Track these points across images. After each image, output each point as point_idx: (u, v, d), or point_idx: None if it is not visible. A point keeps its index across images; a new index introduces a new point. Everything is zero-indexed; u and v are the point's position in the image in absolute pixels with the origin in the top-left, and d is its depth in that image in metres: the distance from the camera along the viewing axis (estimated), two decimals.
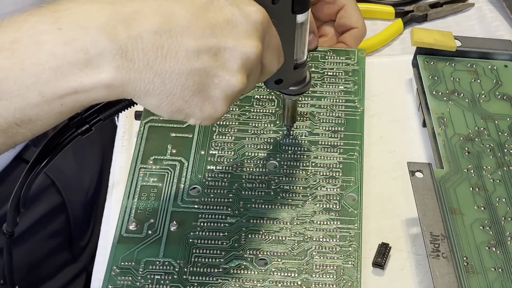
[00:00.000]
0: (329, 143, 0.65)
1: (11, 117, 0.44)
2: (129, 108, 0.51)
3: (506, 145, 0.63)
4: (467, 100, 0.67)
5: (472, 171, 0.61)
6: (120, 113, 0.51)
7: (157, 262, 0.57)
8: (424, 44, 0.69)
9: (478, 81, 0.69)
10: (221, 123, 0.66)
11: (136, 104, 0.49)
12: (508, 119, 0.66)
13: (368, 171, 0.65)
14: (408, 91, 0.72)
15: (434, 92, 0.67)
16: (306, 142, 0.65)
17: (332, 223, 0.60)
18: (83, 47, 0.43)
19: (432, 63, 0.70)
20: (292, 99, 0.62)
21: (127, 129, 0.70)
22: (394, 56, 0.76)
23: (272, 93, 0.69)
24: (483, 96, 0.67)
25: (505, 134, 0.64)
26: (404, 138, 0.68)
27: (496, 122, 0.65)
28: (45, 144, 0.51)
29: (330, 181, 0.62)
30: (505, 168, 0.62)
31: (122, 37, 0.44)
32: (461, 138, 0.64)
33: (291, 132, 0.66)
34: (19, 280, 0.75)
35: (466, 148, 0.63)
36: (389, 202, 0.64)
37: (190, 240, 0.59)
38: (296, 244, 0.59)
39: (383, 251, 0.59)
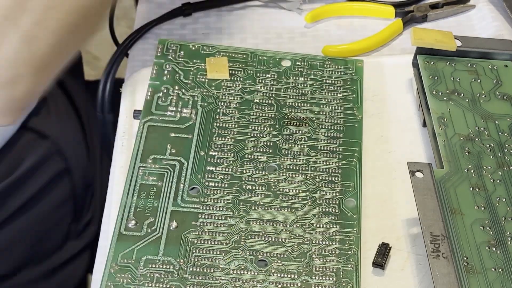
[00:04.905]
0: (328, 149, 0.65)
1: None
2: None
3: (506, 145, 0.63)
4: (467, 100, 0.67)
5: (472, 171, 0.61)
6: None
7: (157, 261, 0.57)
8: (424, 44, 0.69)
9: (478, 81, 0.69)
10: (221, 125, 0.66)
11: None
12: (508, 119, 0.66)
13: (368, 171, 0.65)
14: (408, 91, 0.72)
15: (434, 92, 0.67)
16: (305, 147, 0.65)
17: (331, 226, 0.60)
18: None
19: (432, 63, 0.70)
20: None
21: (127, 129, 0.69)
22: (394, 56, 0.76)
23: (271, 98, 0.69)
24: (483, 96, 0.67)
25: (505, 134, 0.64)
26: (404, 138, 0.68)
27: (496, 122, 0.65)
28: None
29: (329, 186, 0.62)
30: (505, 168, 0.62)
31: None
32: (461, 138, 0.64)
33: (290, 137, 0.65)
34: (23, 251, 0.75)
35: (466, 148, 0.63)
36: (389, 202, 0.63)
37: (190, 239, 0.59)
38: (295, 246, 0.59)
39: (383, 251, 0.59)
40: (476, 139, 0.64)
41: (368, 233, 0.61)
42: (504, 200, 0.59)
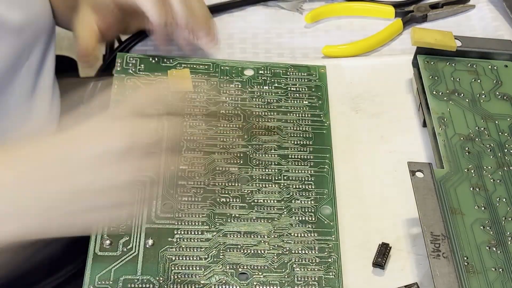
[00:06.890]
0: (299, 157, 0.65)
1: None
2: None
3: (507, 145, 0.63)
4: (467, 100, 0.67)
5: (472, 171, 0.61)
6: None
7: (136, 280, 0.56)
8: (425, 44, 0.69)
9: (478, 81, 0.69)
10: (189, 138, 0.65)
11: None
12: (508, 119, 0.66)
13: (368, 171, 0.65)
14: (408, 91, 0.72)
15: (434, 92, 0.67)
16: (276, 156, 0.64)
17: (309, 235, 0.59)
18: None
19: (432, 63, 0.70)
20: None
21: None
22: (394, 56, 0.76)
23: (238, 108, 0.68)
24: (483, 96, 0.67)
25: (505, 134, 0.64)
26: (404, 138, 0.68)
27: (497, 122, 0.65)
28: None
29: (304, 194, 0.62)
30: (505, 168, 0.61)
31: None
32: (462, 138, 0.64)
33: (260, 146, 0.65)
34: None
35: (467, 148, 0.63)
36: (389, 202, 0.63)
37: (168, 256, 0.57)
38: (275, 257, 0.58)
39: (383, 251, 0.59)
40: (476, 139, 0.64)
41: (368, 233, 0.61)
42: (504, 200, 0.59)
